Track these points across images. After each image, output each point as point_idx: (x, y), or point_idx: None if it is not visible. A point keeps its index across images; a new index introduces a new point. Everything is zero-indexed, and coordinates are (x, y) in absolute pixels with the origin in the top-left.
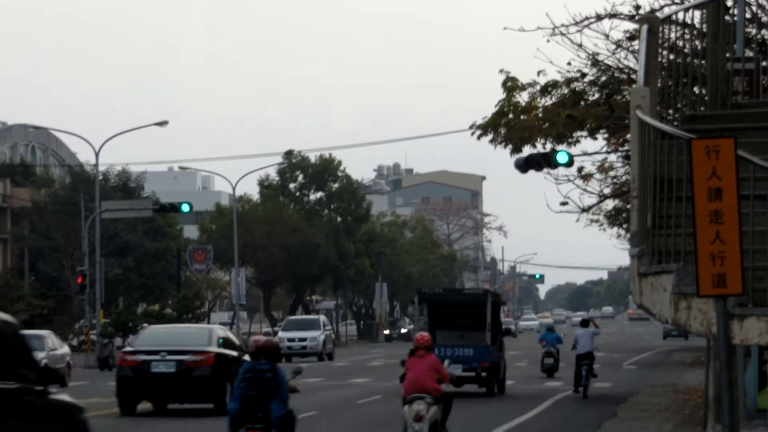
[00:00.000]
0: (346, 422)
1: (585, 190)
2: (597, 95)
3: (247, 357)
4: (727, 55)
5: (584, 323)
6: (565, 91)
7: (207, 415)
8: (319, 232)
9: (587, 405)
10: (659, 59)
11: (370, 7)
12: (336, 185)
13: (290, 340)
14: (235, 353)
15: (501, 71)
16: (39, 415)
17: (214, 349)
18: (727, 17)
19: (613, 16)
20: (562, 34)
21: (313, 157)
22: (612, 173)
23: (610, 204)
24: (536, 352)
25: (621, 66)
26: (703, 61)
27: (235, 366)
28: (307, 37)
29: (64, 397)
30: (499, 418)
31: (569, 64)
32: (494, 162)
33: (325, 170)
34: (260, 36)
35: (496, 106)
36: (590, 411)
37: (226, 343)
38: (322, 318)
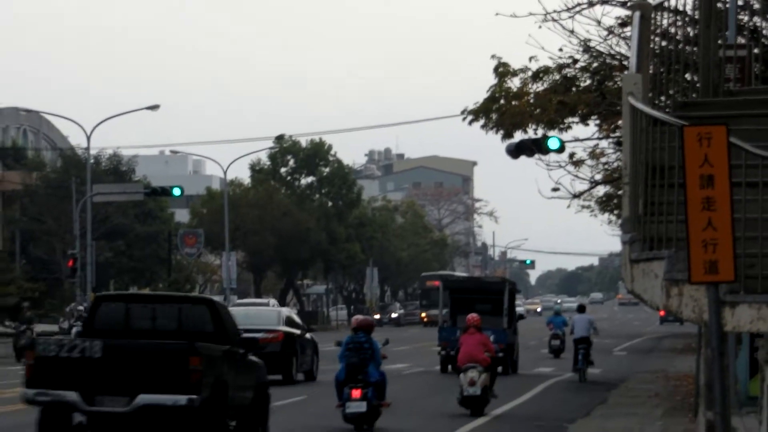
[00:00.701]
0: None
1: (576, 176)
2: (588, 81)
3: (308, 335)
4: (719, 42)
5: (581, 309)
6: (557, 77)
7: (277, 385)
8: (310, 217)
9: (577, 391)
10: (651, 46)
11: None
12: (327, 170)
13: None
14: (298, 331)
15: (493, 57)
16: (246, 367)
17: (282, 327)
18: (719, 4)
19: (605, 2)
20: (554, 20)
21: (304, 142)
22: (603, 159)
23: (601, 190)
24: (526, 338)
25: (613, 52)
26: (695, 48)
27: (299, 342)
28: (297, 22)
29: (252, 357)
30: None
31: (561, 50)
32: (486, 147)
33: (315, 155)
34: (251, 21)
35: (487, 91)
36: (580, 397)
37: (290, 322)
38: (283, 310)
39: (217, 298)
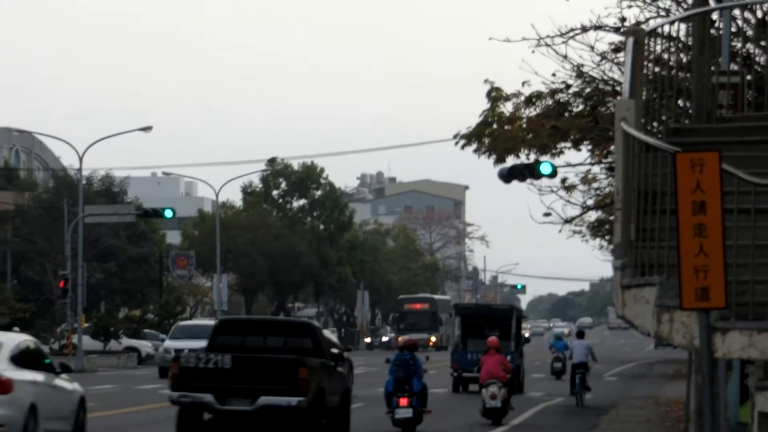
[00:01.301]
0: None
1: (568, 201)
2: (581, 107)
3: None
4: (712, 68)
5: (580, 335)
6: (550, 102)
7: None
8: (301, 240)
9: (568, 415)
10: (644, 72)
11: (355, 15)
12: (319, 193)
13: (178, 350)
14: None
15: (486, 81)
16: (336, 376)
17: None
18: (712, 31)
19: (598, 28)
20: (547, 45)
21: (296, 165)
22: (595, 185)
23: (593, 215)
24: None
25: (606, 78)
26: (688, 75)
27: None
28: (291, 43)
29: (340, 368)
30: (478, 429)
31: (554, 75)
32: (478, 172)
33: (307, 177)
34: (244, 41)
35: (480, 116)
36: (571, 422)
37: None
38: None
39: (208, 321)
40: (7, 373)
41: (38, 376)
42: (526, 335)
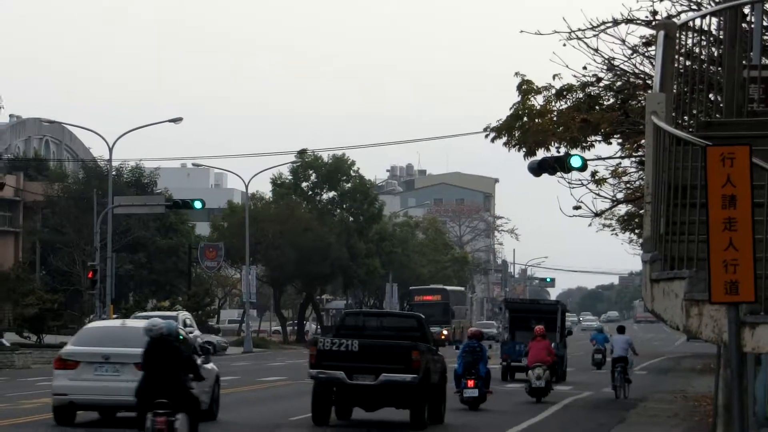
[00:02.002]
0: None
1: (598, 194)
2: (612, 100)
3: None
4: (744, 62)
5: (620, 330)
6: (580, 95)
7: None
8: (330, 232)
9: (596, 410)
10: (675, 65)
11: (384, 7)
12: (349, 185)
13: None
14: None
15: (516, 74)
16: (436, 359)
17: None
18: (744, 24)
19: (629, 21)
20: (578, 38)
21: (326, 157)
22: (625, 178)
23: (622, 209)
24: None
25: (637, 71)
26: (719, 68)
27: None
28: (320, 36)
29: (439, 353)
30: (509, 420)
31: (585, 68)
32: (507, 165)
33: (337, 170)
34: (272, 35)
35: (510, 109)
36: (599, 416)
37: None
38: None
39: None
40: None
41: (201, 358)
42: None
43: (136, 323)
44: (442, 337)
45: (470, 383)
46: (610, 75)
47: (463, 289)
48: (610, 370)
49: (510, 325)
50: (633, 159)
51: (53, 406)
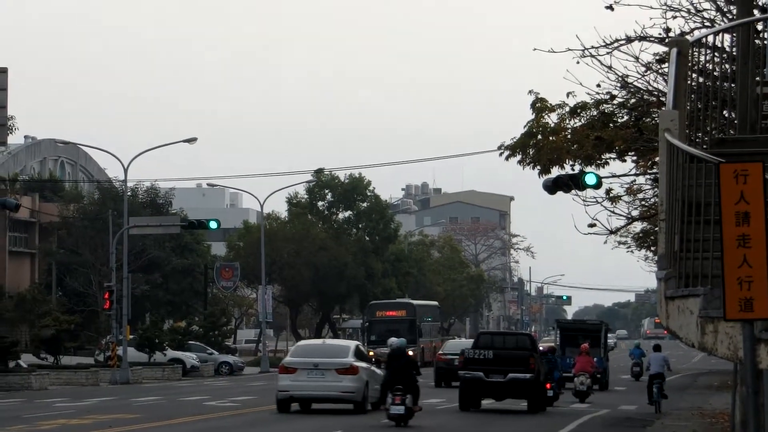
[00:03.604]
0: None
1: (613, 212)
2: (626, 117)
3: (373, 367)
4: (757, 78)
5: (656, 348)
6: (594, 112)
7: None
8: (346, 251)
9: (613, 427)
10: (689, 82)
11: (398, 25)
12: (365, 205)
13: None
14: (365, 364)
15: (530, 92)
16: (543, 363)
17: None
18: (757, 41)
19: (643, 38)
20: (592, 55)
21: (342, 176)
22: (640, 195)
23: (638, 226)
24: None
25: (650, 88)
26: (732, 85)
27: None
28: (334, 55)
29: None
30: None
31: (599, 85)
32: (522, 183)
33: (354, 189)
34: (286, 55)
35: (524, 127)
36: None
37: (360, 355)
38: (352, 343)
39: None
40: (354, 362)
41: (365, 365)
42: (612, 344)
43: (334, 341)
44: None
45: (548, 386)
46: (623, 92)
47: (435, 303)
48: (647, 386)
49: (561, 341)
50: (648, 176)
51: (277, 399)
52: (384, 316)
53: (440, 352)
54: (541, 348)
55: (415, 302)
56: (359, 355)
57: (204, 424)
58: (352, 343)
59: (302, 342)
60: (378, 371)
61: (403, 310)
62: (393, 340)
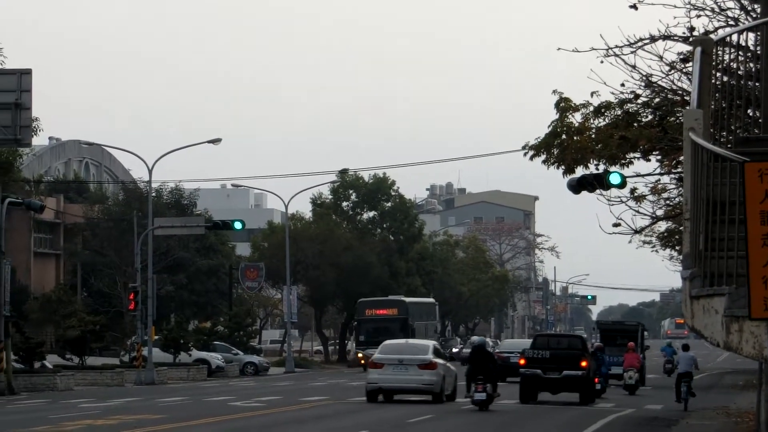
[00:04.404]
0: None
1: (638, 211)
2: (650, 117)
3: (448, 364)
4: None
5: (685, 348)
6: (619, 112)
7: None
8: (371, 251)
9: (638, 427)
10: (713, 81)
11: (421, 27)
12: (389, 205)
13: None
14: (442, 360)
15: (554, 92)
16: (594, 360)
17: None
18: None
19: (667, 37)
20: (615, 55)
21: (366, 176)
22: (665, 195)
23: (662, 226)
24: None
25: (675, 88)
26: (757, 84)
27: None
28: (358, 56)
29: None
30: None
31: (623, 85)
32: (547, 182)
33: (378, 190)
34: (309, 55)
35: (549, 126)
36: None
37: (437, 353)
38: (431, 343)
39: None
40: (433, 359)
41: (442, 361)
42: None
43: (415, 341)
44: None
45: (596, 381)
46: (648, 91)
47: (430, 300)
48: (675, 384)
49: (601, 341)
50: (672, 175)
51: (367, 390)
52: (374, 314)
53: (498, 350)
54: (596, 346)
55: (407, 299)
56: (437, 352)
57: (230, 425)
58: (430, 343)
59: (388, 341)
60: (452, 367)
61: (394, 308)
62: (475, 338)
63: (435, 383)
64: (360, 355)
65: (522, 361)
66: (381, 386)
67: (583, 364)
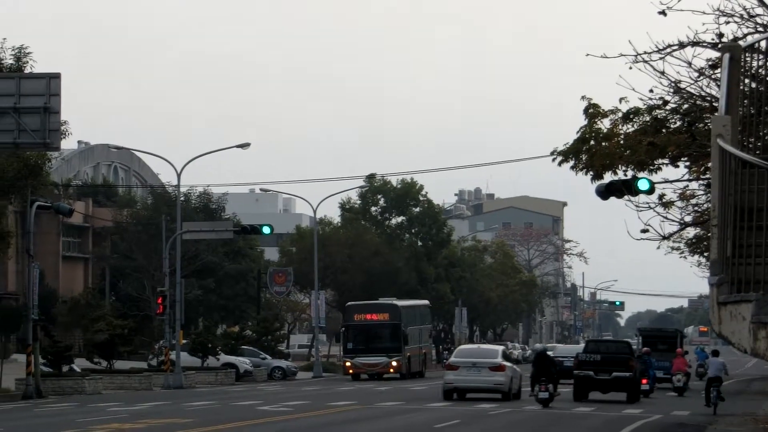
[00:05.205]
0: None
1: (666, 217)
2: (679, 123)
3: (515, 366)
4: None
5: (715, 353)
6: (647, 118)
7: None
8: (399, 256)
9: None
10: (741, 88)
11: (449, 31)
12: (417, 209)
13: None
14: (509, 363)
15: (583, 98)
16: (639, 363)
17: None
18: None
19: (695, 44)
20: (644, 61)
21: (394, 181)
22: (693, 201)
23: (691, 232)
24: None
25: (703, 94)
26: None
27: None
28: (386, 60)
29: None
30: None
31: (651, 91)
32: (576, 188)
33: (406, 194)
34: (340, 59)
35: (577, 132)
36: None
37: (506, 356)
38: (500, 348)
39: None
40: (502, 362)
41: (509, 364)
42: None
43: (486, 346)
44: (391, 370)
45: (644, 381)
46: (676, 98)
47: (424, 302)
48: (705, 389)
49: (642, 346)
50: (701, 182)
51: (444, 390)
52: (363, 319)
53: (553, 354)
54: (643, 351)
55: (399, 303)
56: (505, 356)
57: (258, 429)
58: (500, 348)
59: (462, 346)
60: (517, 369)
61: (385, 312)
62: (538, 346)
63: (504, 383)
64: (348, 364)
65: (575, 365)
66: (456, 386)
67: (631, 366)
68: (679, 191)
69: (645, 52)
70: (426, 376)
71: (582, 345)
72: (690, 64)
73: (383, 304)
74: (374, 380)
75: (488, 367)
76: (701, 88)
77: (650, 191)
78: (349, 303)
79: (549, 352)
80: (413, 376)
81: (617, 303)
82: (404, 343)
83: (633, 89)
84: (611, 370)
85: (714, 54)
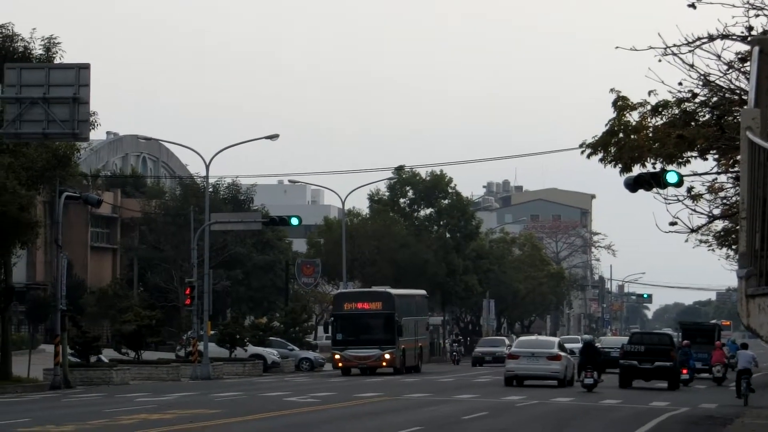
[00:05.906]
0: None
1: (694, 210)
2: (708, 116)
3: (570, 356)
4: None
5: (744, 346)
6: (676, 111)
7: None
8: (427, 248)
9: (694, 426)
10: None
11: (477, 25)
12: (446, 202)
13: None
14: (564, 353)
15: (612, 90)
16: (677, 354)
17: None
18: None
19: (725, 37)
20: (673, 54)
21: (423, 173)
22: (722, 194)
23: (719, 225)
24: None
25: (732, 87)
26: None
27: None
28: (415, 53)
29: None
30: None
31: (680, 84)
32: (604, 180)
33: (435, 187)
34: (367, 52)
35: (606, 125)
36: None
37: (561, 347)
38: (557, 339)
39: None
40: (558, 352)
41: (564, 353)
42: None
43: (544, 337)
44: (383, 364)
45: (684, 371)
46: (705, 91)
47: (420, 292)
48: (736, 381)
49: (682, 339)
50: (729, 175)
51: (505, 377)
52: (354, 308)
53: (600, 345)
54: (683, 343)
55: (393, 291)
56: (561, 347)
57: (285, 420)
58: (556, 339)
59: (522, 338)
60: (571, 358)
61: (377, 301)
62: (586, 336)
63: (560, 371)
64: (337, 357)
65: (621, 355)
66: (517, 373)
67: (672, 356)
68: (708, 184)
69: (674, 45)
70: (422, 371)
71: (627, 337)
72: (719, 57)
73: (375, 292)
74: (365, 374)
75: (546, 356)
76: (730, 81)
77: (679, 184)
78: (339, 291)
79: (597, 344)
80: (408, 370)
81: (645, 296)
82: (398, 334)
83: (662, 82)
84: (654, 360)
85: (743, 47)
